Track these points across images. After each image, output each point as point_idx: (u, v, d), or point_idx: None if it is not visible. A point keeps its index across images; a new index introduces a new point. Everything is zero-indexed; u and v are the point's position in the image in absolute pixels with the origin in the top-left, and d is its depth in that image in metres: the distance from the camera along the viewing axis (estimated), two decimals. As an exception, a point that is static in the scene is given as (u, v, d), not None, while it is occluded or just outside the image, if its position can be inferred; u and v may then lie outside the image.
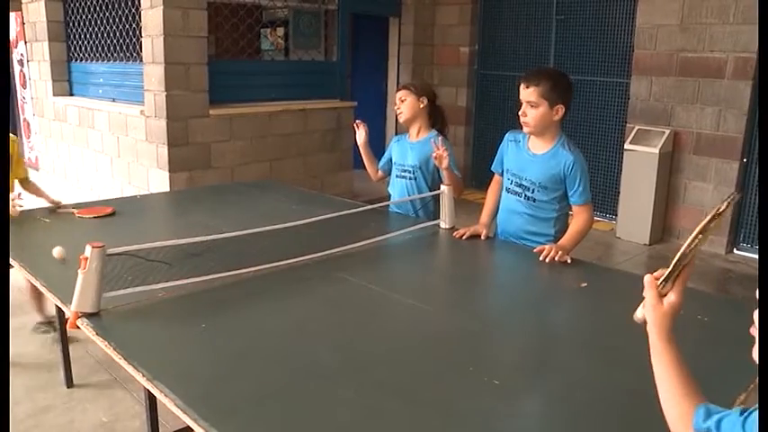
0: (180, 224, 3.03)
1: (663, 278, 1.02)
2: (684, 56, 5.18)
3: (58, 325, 3.20)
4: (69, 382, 2.89)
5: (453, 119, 5.36)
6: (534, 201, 2.47)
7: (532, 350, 1.70)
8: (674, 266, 1.01)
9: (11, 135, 3.13)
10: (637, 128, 5.44)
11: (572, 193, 2.42)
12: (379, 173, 3.21)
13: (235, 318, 1.80)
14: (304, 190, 4.01)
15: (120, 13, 5.41)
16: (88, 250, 1.69)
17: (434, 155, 2.74)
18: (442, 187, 2.71)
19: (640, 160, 5.28)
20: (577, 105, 4.91)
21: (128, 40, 5.35)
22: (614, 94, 5.83)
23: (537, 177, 2.44)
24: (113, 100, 5.64)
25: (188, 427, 1.28)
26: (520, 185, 2.50)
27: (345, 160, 6.11)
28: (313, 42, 6.07)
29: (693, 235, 0.99)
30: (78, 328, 1.69)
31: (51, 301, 3.22)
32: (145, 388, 1.47)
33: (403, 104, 2.97)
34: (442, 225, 2.69)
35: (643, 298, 1.04)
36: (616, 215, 5.65)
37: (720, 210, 0.99)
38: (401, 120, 3.03)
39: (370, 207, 2.80)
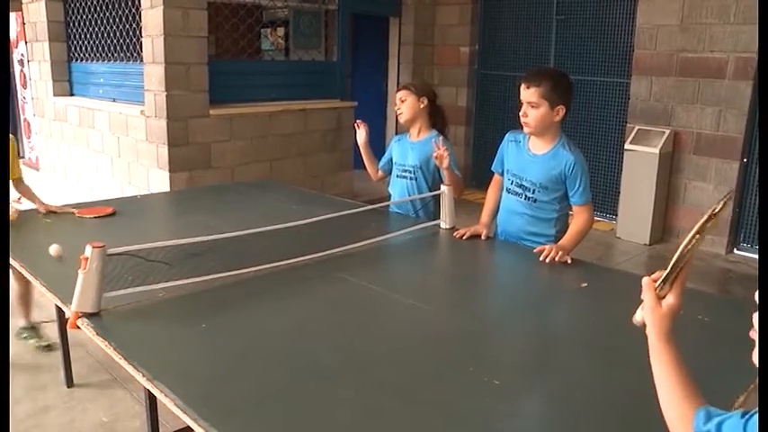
0: (180, 224, 3.03)
1: (661, 280, 1.01)
2: (684, 56, 5.18)
3: (44, 332, 3.22)
4: (69, 382, 2.89)
5: (453, 119, 5.36)
6: (535, 201, 2.47)
7: (533, 350, 1.70)
8: (671, 268, 1.00)
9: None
10: (637, 128, 5.44)
11: (572, 194, 2.42)
12: (380, 173, 3.21)
13: (235, 318, 1.80)
14: (304, 190, 4.02)
15: (120, 13, 5.41)
16: (88, 250, 1.69)
17: (435, 155, 2.74)
18: (443, 187, 2.71)
19: (640, 160, 5.28)
20: (577, 105, 4.90)
21: (128, 40, 5.35)
22: (614, 94, 5.83)
23: (537, 178, 2.44)
24: (114, 100, 5.64)
25: (188, 427, 1.28)
26: (520, 186, 2.50)
27: (346, 160, 6.11)
28: (313, 42, 6.07)
29: (690, 236, 0.99)
30: (78, 328, 1.69)
31: (36, 308, 3.26)
32: (145, 388, 1.48)
33: (403, 105, 2.97)
34: (443, 225, 2.69)
35: (642, 300, 1.04)
36: (616, 215, 5.65)
37: (716, 210, 0.98)
38: (401, 120, 3.02)
39: (370, 207, 2.81)
